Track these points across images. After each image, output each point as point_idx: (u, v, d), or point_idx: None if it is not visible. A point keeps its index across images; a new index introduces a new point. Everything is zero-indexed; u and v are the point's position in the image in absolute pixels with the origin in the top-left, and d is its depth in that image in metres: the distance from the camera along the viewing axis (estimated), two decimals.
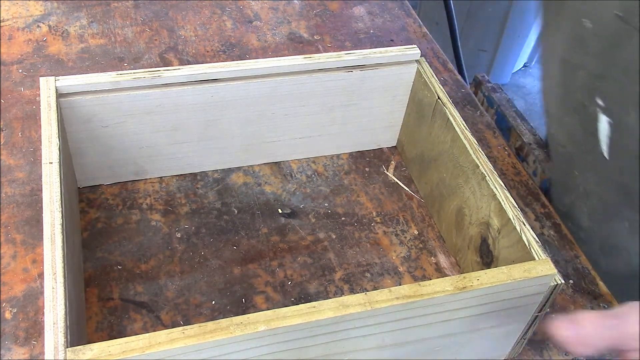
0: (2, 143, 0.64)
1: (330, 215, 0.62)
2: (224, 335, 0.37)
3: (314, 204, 0.63)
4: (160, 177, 0.63)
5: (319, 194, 0.64)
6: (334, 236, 0.60)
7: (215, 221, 0.60)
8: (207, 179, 0.64)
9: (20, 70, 0.72)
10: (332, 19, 0.85)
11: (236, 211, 0.61)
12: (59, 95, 0.53)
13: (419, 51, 0.61)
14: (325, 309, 0.39)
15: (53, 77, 0.53)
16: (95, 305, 0.53)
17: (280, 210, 0.62)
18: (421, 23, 0.87)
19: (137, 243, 0.58)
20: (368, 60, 0.60)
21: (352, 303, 0.39)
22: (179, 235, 0.59)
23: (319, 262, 0.58)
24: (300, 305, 0.39)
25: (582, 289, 0.58)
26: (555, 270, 0.44)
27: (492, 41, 1.89)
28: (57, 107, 0.52)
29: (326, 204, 0.63)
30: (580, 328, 0.36)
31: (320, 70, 0.59)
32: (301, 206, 0.62)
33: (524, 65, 2.19)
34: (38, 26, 0.78)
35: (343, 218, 0.62)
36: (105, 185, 0.62)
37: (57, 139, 0.49)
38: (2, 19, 0.78)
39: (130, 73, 0.55)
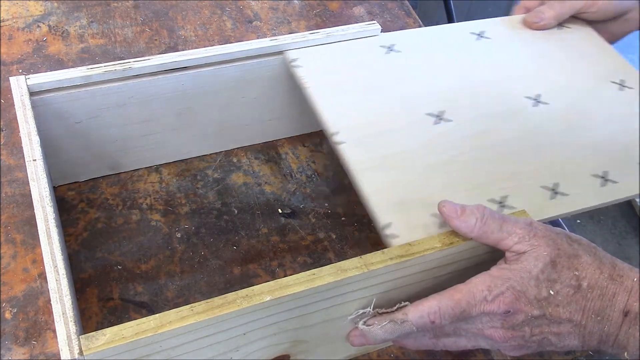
0: (2, 143, 0.64)
1: (330, 215, 0.62)
2: (232, 308, 0.38)
3: (314, 204, 0.63)
4: (160, 177, 0.63)
5: (319, 194, 0.64)
6: (334, 236, 0.60)
7: (215, 221, 0.60)
8: (207, 179, 0.64)
9: (20, 70, 0.72)
10: (332, 19, 0.85)
11: (236, 211, 0.61)
12: (31, 93, 0.53)
13: (379, 27, 0.64)
14: (325, 275, 0.41)
15: (23, 76, 0.53)
16: (95, 305, 0.53)
17: (280, 210, 0.62)
18: (421, 23, 0.87)
19: (137, 243, 0.58)
20: (331, 38, 0.62)
21: (349, 267, 0.42)
22: (179, 235, 0.59)
23: (319, 262, 0.58)
24: (301, 273, 0.41)
25: None
26: (530, 217, 0.47)
27: None
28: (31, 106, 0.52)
29: (326, 204, 0.63)
30: (462, 216, 0.44)
31: (285, 51, 0.61)
32: (301, 206, 0.62)
33: None
34: (38, 26, 0.78)
35: (343, 218, 0.62)
36: (106, 185, 0.62)
37: (37, 136, 0.49)
38: (2, 19, 0.78)
39: (101, 66, 0.55)
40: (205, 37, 0.80)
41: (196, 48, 0.77)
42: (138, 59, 0.55)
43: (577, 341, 0.41)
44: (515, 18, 0.68)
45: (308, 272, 0.41)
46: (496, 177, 0.51)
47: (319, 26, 0.83)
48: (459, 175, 0.51)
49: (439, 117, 0.55)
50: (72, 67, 0.73)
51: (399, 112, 0.56)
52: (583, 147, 0.55)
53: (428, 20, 0.84)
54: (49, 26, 0.78)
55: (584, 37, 0.67)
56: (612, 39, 0.67)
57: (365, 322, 0.43)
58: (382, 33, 0.63)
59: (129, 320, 0.37)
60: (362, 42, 0.62)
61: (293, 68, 0.59)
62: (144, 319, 0.38)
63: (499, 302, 0.40)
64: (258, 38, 0.80)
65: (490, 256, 0.45)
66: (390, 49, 0.62)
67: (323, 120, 0.54)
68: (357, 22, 0.65)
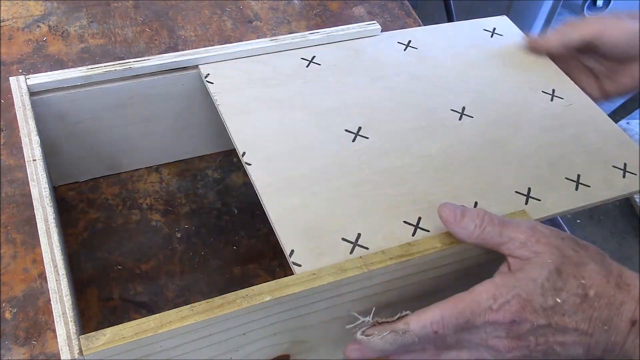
0: (2, 143, 0.64)
1: None
2: (232, 308, 0.38)
3: None
4: (160, 177, 0.63)
5: None
6: None
7: (215, 221, 0.60)
8: (207, 179, 0.64)
9: (20, 70, 0.72)
10: (332, 19, 0.85)
11: (236, 211, 0.61)
12: (31, 93, 0.53)
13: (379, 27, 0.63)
14: (325, 275, 0.41)
15: (23, 76, 0.53)
16: (95, 305, 0.53)
17: None
18: (421, 23, 0.87)
19: (137, 243, 0.58)
20: (331, 39, 0.61)
21: (350, 267, 0.41)
22: (179, 235, 0.59)
23: None
24: (301, 273, 0.41)
25: None
26: (532, 219, 0.47)
27: None
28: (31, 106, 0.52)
29: None
30: (461, 222, 0.43)
31: (287, 50, 0.60)
32: None
33: None
34: (38, 26, 0.78)
35: None
36: (106, 185, 0.62)
37: (37, 136, 0.49)
38: (2, 19, 0.78)
39: (101, 67, 0.55)
40: (205, 37, 0.80)
41: (196, 48, 0.78)
42: (138, 59, 0.56)
43: (582, 350, 0.40)
44: (444, 26, 0.66)
45: (308, 272, 0.41)
46: (413, 197, 0.48)
47: (319, 26, 0.83)
48: (372, 196, 0.48)
49: (357, 134, 0.53)
50: (72, 67, 0.73)
51: (315, 130, 0.53)
52: (507, 162, 0.52)
53: (428, 20, 0.84)
54: (49, 26, 0.78)
55: (516, 45, 0.64)
56: (635, 84, 0.63)
57: (364, 332, 0.41)
58: (304, 48, 0.60)
59: (129, 320, 0.37)
60: (283, 55, 0.60)
61: (206, 83, 0.56)
62: (144, 319, 0.38)
63: (504, 311, 0.39)
64: (258, 38, 0.80)
65: (492, 256, 0.45)
66: (311, 61, 0.59)
67: (232, 139, 0.51)
68: (357, 22, 0.65)
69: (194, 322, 0.38)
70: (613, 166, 0.53)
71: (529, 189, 0.50)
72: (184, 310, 0.38)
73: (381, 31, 0.64)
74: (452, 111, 0.56)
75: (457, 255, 0.45)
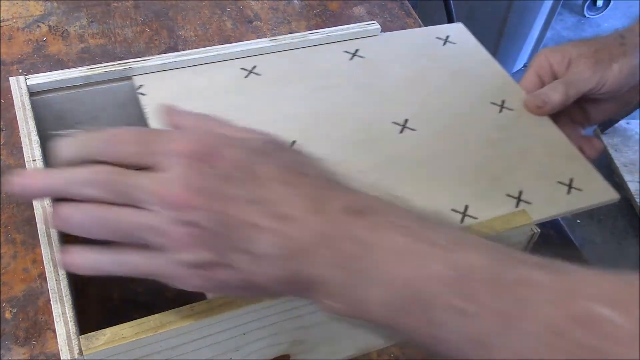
0: (2, 143, 0.64)
1: None
2: (232, 308, 0.38)
3: None
4: None
5: None
6: None
7: None
8: None
9: (20, 70, 0.72)
10: (332, 19, 0.85)
11: None
12: (31, 93, 0.52)
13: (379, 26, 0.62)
14: None
15: (23, 76, 0.53)
16: (95, 305, 0.53)
17: None
18: (421, 23, 0.87)
19: None
20: (331, 39, 0.61)
21: None
22: None
23: None
24: None
25: None
26: (532, 220, 0.46)
27: (492, 41, 1.90)
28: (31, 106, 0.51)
29: None
30: None
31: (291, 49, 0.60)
32: None
33: (524, 65, 2.19)
34: (38, 26, 0.78)
35: None
36: None
37: (37, 136, 0.49)
38: (2, 19, 0.78)
39: (101, 67, 0.54)
40: (205, 37, 0.80)
41: (196, 48, 0.78)
42: (138, 59, 0.56)
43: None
44: (395, 34, 0.64)
45: None
46: None
47: (319, 26, 0.83)
48: None
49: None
50: (72, 67, 0.73)
51: None
52: (446, 178, 0.50)
53: (428, 20, 0.84)
54: (49, 26, 0.78)
55: (468, 54, 0.62)
56: (624, 108, 0.62)
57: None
58: (245, 57, 0.59)
59: (129, 320, 0.37)
60: (223, 65, 0.58)
61: (138, 95, 0.54)
62: (144, 319, 0.38)
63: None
64: (258, 38, 0.80)
65: None
66: (251, 71, 0.57)
67: None
68: (357, 22, 0.65)
69: (194, 322, 0.38)
70: (558, 182, 0.51)
71: (466, 207, 0.48)
72: (184, 310, 0.38)
73: (381, 31, 0.64)
74: (393, 124, 0.54)
75: None
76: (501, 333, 0.28)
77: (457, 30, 0.66)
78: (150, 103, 0.53)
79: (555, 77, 0.59)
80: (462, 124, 0.55)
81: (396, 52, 0.62)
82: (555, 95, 0.56)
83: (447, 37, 0.64)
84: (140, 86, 0.55)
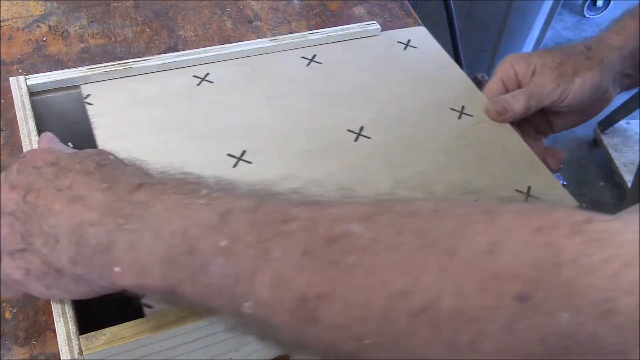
0: (2, 143, 0.64)
1: None
2: None
3: None
4: None
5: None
6: None
7: None
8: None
9: (20, 70, 0.72)
10: (332, 19, 0.85)
11: None
12: (31, 93, 0.52)
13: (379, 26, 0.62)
14: None
15: (23, 76, 0.53)
16: (95, 305, 0.53)
17: None
18: (421, 23, 0.87)
19: None
20: (331, 39, 0.61)
21: None
22: None
23: None
24: None
25: None
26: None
27: (492, 41, 1.90)
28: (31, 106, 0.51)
29: None
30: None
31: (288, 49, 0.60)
32: None
33: None
34: (38, 26, 0.78)
35: None
36: None
37: (37, 136, 0.49)
38: (2, 19, 0.78)
39: (101, 67, 0.54)
40: (205, 37, 0.80)
41: (196, 48, 0.78)
42: (138, 59, 0.56)
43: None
44: (355, 40, 0.63)
45: None
46: None
47: (319, 26, 0.83)
48: None
49: (240, 158, 0.49)
50: (72, 67, 0.73)
51: (196, 154, 0.49)
52: (401, 188, 0.48)
53: (428, 20, 0.84)
54: (49, 26, 0.78)
55: (430, 58, 0.61)
56: (587, 119, 0.61)
57: None
58: (199, 65, 0.58)
59: (129, 320, 0.37)
60: (175, 72, 0.57)
61: (85, 105, 0.53)
62: (144, 319, 0.38)
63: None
64: (258, 38, 0.80)
65: None
66: (203, 79, 0.56)
67: None
68: (357, 22, 0.65)
69: (194, 322, 0.38)
70: (516, 190, 0.49)
71: None
72: (184, 310, 0.38)
73: (381, 31, 0.64)
74: (348, 132, 0.53)
75: None
76: (260, 265, 0.30)
77: (419, 34, 0.64)
78: (97, 113, 0.52)
79: (519, 86, 0.58)
80: (420, 130, 0.54)
81: (355, 56, 0.61)
82: (516, 104, 0.56)
83: (409, 41, 0.63)
84: (88, 95, 0.54)
